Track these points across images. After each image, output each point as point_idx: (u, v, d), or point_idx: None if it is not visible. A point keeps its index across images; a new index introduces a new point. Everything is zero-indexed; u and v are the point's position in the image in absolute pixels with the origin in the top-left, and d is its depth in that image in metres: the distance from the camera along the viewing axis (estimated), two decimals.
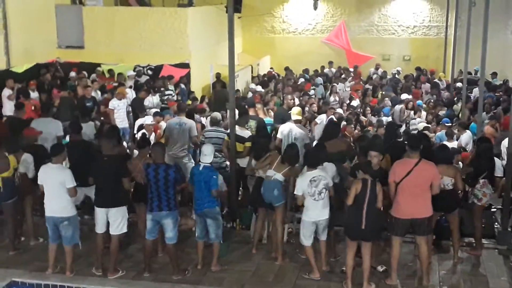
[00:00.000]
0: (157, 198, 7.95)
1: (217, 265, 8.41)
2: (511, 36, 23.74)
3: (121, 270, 8.28)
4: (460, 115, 16.07)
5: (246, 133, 10.56)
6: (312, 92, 19.12)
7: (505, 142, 10.31)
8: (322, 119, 13.83)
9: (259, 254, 8.93)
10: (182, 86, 17.85)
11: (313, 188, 7.90)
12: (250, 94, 18.25)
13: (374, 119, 15.39)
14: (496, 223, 9.80)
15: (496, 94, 18.71)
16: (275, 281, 8.15)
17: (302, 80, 22.03)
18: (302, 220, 8.13)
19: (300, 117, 11.61)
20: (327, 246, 8.36)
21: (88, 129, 11.14)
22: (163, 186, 7.91)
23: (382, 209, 7.69)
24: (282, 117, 12.09)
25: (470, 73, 19.64)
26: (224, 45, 10.08)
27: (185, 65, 18.72)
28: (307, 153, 8.73)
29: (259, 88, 19.23)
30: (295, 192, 8.08)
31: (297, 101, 15.07)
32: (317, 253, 8.28)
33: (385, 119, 15.08)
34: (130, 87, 16.20)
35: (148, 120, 12.52)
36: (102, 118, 14.04)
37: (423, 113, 16.52)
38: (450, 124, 13.83)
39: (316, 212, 7.98)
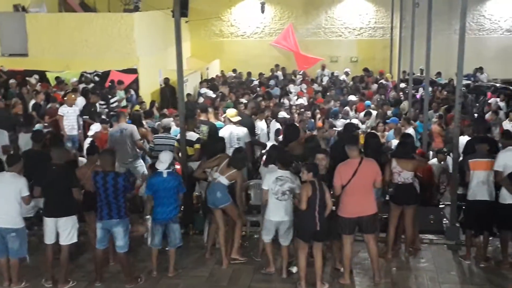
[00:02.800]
0: (107, 206, 7.80)
1: (174, 271, 8.36)
2: (454, 35, 24.32)
3: (72, 281, 8.09)
4: (407, 114, 16.39)
5: (193, 135, 10.55)
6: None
7: (462, 140, 10.57)
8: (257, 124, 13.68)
9: (213, 258, 8.88)
10: (132, 92, 17.66)
11: (278, 186, 7.89)
12: (201, 99, 18.15)
13: (334, 122, 15.29)
14: (445, 219, 10.02)
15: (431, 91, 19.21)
16: (230, 285, 8.12)
17: (256, 83, 22.15)
18: (264, 219, 8.13)
19: (238, 118, 11.66)
20: (288, 252, 8.34)
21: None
22: (112, 194, 7.76)
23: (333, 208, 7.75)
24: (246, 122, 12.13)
25: (413, 73, 20.05)
26: (172, 50, 10.00)
27: (133, 71, 18.49)
28: (280, 152, 8.69)
29: (210, 93, 19.14)
30: (262, 186, 8.06)
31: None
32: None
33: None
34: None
35: (95, 127, 12.33)
36: (46, 126, 13.71)
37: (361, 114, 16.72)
38: (398, 122, 14.07)
39: (277, 212, 7.96)
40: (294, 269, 8.29)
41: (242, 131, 11.27)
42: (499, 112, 16.51)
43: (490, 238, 8.83)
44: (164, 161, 8.19)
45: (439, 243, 9.48)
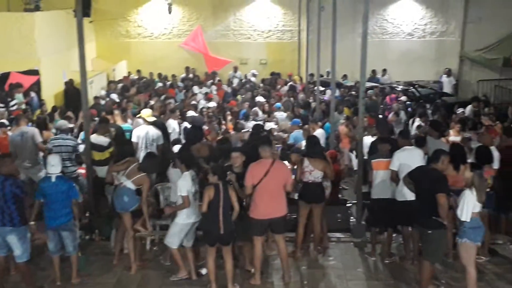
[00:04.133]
0: (1, 212, 7.42)
1: (77, 278, 8.11)
2: (358, 39, 24.92)
3: None
4: (314, 115, 16.64)
5: (104, 140, 10.29)
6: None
7: (367, 141, 10.88)
8: (169, 124, 13.58)
9: (120, 265, 8.67)
10: (33, 94, 16.94)
11: (194, 187, 7.83)
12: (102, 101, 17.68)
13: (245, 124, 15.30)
14: (352, 217, 10.25)
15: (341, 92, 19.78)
16: None
17: (160, 84, 21.84)
18: (177, 223, 7.93)
19: (154, 118, 11.56)
20: (194, 252, 8.31)
21: None
22: (2, 199, 7.38)
23: (239, 210, 7.73)
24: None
25: (322, 75, 20.47)
26: (76, 51, 9.68)
27: (34, 72, 17.75)
28: (184, 154, 8.57)
29: (113, 95, 18.72)
30: (180, 194, 7.79)
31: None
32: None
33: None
34: None
35: None
36: None
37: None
38: (301, 124, 14.25)
39: (194, 212, 7.87)
40: (203, 271, 8.23)
41: (157, 133, 11.17)
42: (400, 113, 17.10)
43: (394, 235, 9.12)
44: (55, 164, 7.92)
45: (346, 241, 9.71)
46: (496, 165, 9.13)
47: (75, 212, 8.02)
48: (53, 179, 7.85)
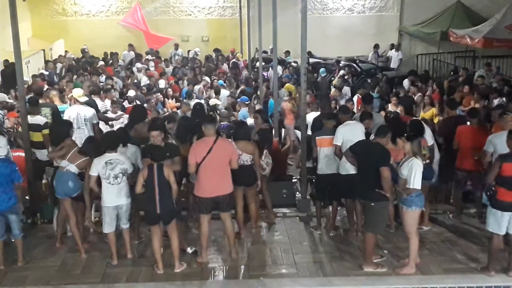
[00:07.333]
0: None
1: (23, 261, 8.00)
2: (300, 15, 24.86)
3: None
4: (259, 93, 16.65)
5: (40, 119, 10.02)
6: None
7: (309, 117, 10.97)
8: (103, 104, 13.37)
9: (64, 247, 8.54)
10: None
11: (108, 171, 7.71)
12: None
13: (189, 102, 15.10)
14: (298, 193, 10.35)
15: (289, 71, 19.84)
16: (83, 273, 7.85)
17: (102, 63, 21.40)
18: (102, 207, 7.91)
19: (86, 98, 11.35)
20: (131, 232, 8.28)
21: None
22: None
23: (178, 190, 7.71)
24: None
25: (266, 52, 20.45)
26: (10, 30, 9.32)
27: None
28: (105, 135, 8.46)
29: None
30: (90, 173, 7.81)
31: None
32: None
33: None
34: None
35: None
36: None
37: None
38: (249, 101, 14.24)
39: (112, 196, 7.79)
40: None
41: (90, 111, 10.96)
42: (344, 88, 17.28)
43: (338, 208, 9.26)
44: (2, 145, 7.70)
45: (292, 216, 9.81)
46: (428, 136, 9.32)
47: (19, 195, 7.88)
48: None
